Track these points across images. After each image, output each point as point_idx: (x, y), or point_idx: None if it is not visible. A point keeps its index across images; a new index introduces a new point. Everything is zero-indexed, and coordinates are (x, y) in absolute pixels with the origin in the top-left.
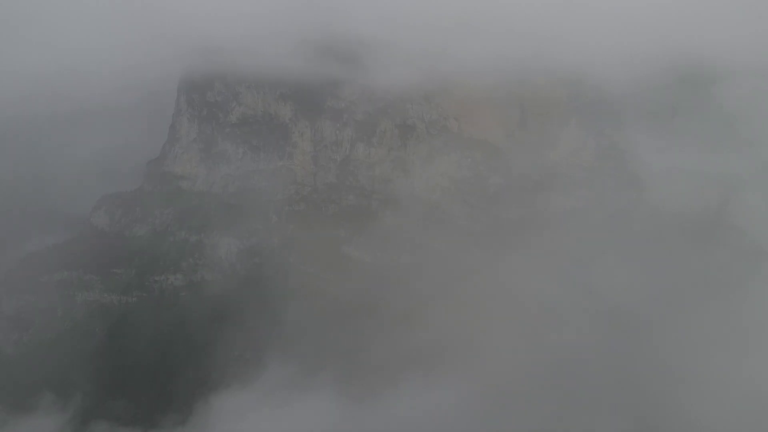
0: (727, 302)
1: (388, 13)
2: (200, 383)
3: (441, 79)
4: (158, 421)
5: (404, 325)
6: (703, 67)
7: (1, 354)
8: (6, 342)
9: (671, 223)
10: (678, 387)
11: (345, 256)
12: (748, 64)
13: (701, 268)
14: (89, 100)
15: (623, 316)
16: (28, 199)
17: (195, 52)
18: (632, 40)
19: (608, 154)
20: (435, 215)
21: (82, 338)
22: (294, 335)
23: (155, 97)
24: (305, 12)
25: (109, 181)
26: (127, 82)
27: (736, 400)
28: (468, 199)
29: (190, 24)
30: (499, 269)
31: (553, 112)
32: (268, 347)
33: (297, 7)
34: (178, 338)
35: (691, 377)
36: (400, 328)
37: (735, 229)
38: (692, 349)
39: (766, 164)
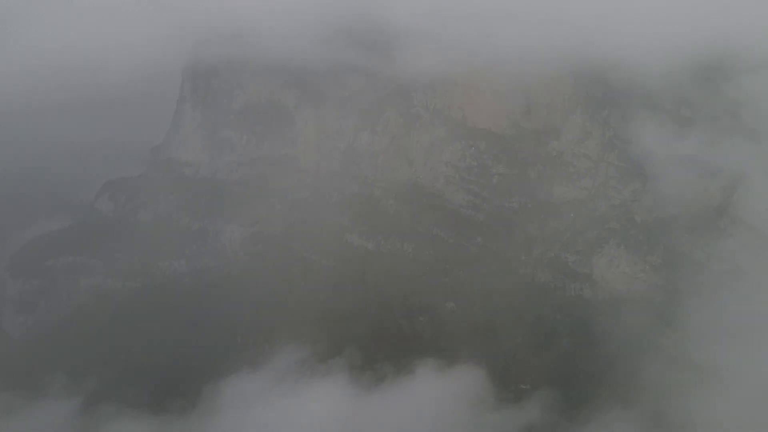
0: (731, 293)
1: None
2: (207, 369)
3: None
4: (167, 406)
5: (411, 312)
6: (713, 59)
7: (7, 337)
8: (11, 325)
9: (675, 214)
10: (681, 378)
11: (348, 243)
12: (757, 56)
13: (705, 258)
14: (94, 86)
15: (626, 306)
16: (34, 185)
17: (200, 39)
18: (653, 31)
19: (613, 144)
20: (438, 204)
21: (86, 322)
22: (297, 322)
23: (159, 84)
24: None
25: (113, 166)
26: (132, 68)
27: (739, 392)
28: (472, 189)
29: (196, 11)
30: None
31: (557, 101)
32: (272, 334)
33: None
34: (181, 324)
35: (693, 368)
36: (407, 315)
37: (740, 220)
38: (696, 340)
39: None
